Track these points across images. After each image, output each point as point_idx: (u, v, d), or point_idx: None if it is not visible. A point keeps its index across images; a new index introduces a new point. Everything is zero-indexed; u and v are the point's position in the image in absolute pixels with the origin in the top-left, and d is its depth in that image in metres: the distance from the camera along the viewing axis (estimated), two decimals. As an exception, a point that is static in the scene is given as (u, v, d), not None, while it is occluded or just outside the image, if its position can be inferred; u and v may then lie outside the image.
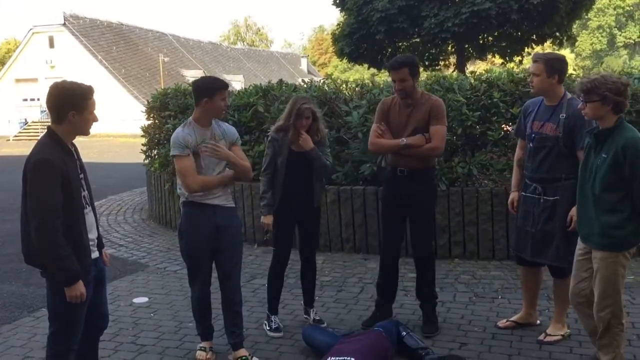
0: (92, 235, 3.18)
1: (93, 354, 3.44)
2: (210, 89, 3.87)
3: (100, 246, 3.30)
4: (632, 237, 3.32)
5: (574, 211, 3.79)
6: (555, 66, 3.91)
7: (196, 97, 3.91)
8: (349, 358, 3.51)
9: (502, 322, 4.42)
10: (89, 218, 3.16)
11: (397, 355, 3.91)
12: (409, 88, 4.27)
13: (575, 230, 3.75)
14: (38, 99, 36.90)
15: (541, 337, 4.13)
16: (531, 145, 4.05)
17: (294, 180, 4.41)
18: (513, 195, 4.30)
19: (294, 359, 4.04)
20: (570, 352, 3.96)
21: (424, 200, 4.39)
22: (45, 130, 3.11)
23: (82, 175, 3.15)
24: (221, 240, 3.96)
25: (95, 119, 3.12)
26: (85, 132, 3.12)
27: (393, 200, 4.46)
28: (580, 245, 3.57)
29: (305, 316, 4.71)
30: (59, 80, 3.20)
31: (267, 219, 4.43)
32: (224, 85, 3.93)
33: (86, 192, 3.18)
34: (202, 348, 4.10)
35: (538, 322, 4.37)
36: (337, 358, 3.54)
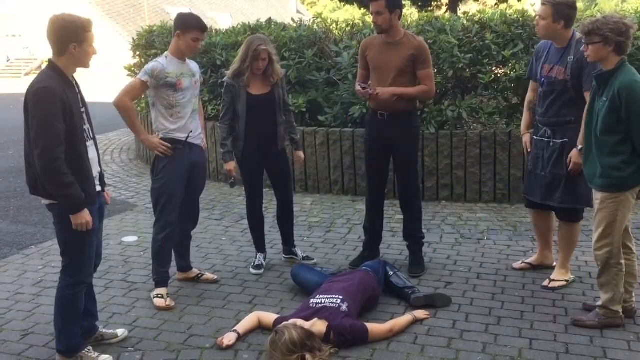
0: (95, 169, 3.18)
1: (90, 292, 3.47)
2: (185, 24, 3.92)
3: (102, 184, 3.31)
4: (632, 178, 3.35)
5: (573, 153, 3.85)
6: (561, 11, 3.78)
7: (174, 28, 3.98)
8: (336, 296, 3.58)
9: (517, 264, 4.44)
10: (91, 152, 3.17)
11: (384, 294, 3.99)
12: (385, 22, 4.17)
13: (577, 173, 3.84)
14: (20, 35, 35.85)
15: (545, 283, 4.14)
16: (541, 89, 4.00)
17: (257, 123, 4.38)
18: (525, 138, 4.24)
19: (282, 297, 4.11)
20: (553, 293, 4.06)
21: (406, 142, 4.38)
22: (47, 63, 3.08)
23: (83, 109, 3.15)
24: (194, 176, 4.10)
25: (94, 52, 3.11)
26: (85, 64, 3.10)
27: (375, 143, 4.45)
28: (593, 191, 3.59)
29: (285, 255, 4.76)
30: (56, 13, 3.11)
31: (230, 165, 4.43)
32: (200, 26, 3.93)
33: (88, 125, 3.18)
34: (160, 295, 4.01)
35: (554, 263, 4.33)
36: (325, 296, 3.61)
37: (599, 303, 3.57)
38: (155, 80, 3.89)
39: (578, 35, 3.85)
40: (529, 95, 4.24)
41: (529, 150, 4.21)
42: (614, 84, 3.28)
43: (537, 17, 3.94)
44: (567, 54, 3.86)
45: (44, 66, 3.15)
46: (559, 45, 3.92)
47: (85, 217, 3.01)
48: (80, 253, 3.14)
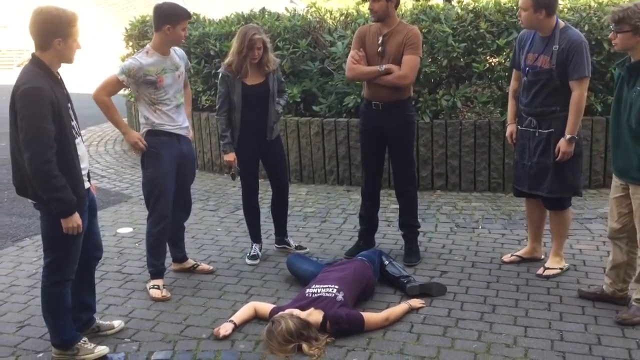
0: (85, 165, 3.15)
1: (90, 285, 3.48)
2: (174, 16, 3.82)
3: (88, 178, 3.27)
4: None
5: (561, 142, 3.85)
6: (541, 1, 3.75)
7: (158, 22, 3.85)
8: (332, 286, 3.59)
9: (506, 257, 4.42)
10: (81, 148, 3.12)
11: (380, 284, 4.01)
12: (382, 9, 4.14)
13: (564, 161, 3.86)
14: (6, 26, 35.46)
15: (540, 271, 4.14)
16: (525, 78, 3.98)
17: (252, 113, 4.38)
18: (511, 128, 4.22)
19: (278, 287, 4.12)
20: (547, 281, 4.08)
21: (401, 132, 4.37)
22: (30, 58, 2.99)
23: (69, 105, 3.08)
24: (182, 168, 4.08)
25: (79, 47, 3.01)
26: (70, 59, 3.02)
27: (370, 133, 4.44)
28: (615, 183, 3.53)
29: (277, 245, 4.76)
30: (40, 5, 3.02)
31: (230, 157, 4.43)
32: (188, 15, 3.89)
33: (75, 122, 3.13)
34: (156, 286, 4.03)
35: (542, 256, 4.35)
36: (321, 286, 3.61)
37: (638, 296, 3.49)
38: (133, 79, 3.84)
39: (562, 24, 3.88)
40: (513, 84, 4.23)
41: (513, 142, 4.22)
42: None
43: (519, 9, 3.92)
44: (551, 43, 3.84)
45: None
46: (543, 34, 3.90)
47: (76, 220, 2.97)
48: (66, 252, 3.10)
